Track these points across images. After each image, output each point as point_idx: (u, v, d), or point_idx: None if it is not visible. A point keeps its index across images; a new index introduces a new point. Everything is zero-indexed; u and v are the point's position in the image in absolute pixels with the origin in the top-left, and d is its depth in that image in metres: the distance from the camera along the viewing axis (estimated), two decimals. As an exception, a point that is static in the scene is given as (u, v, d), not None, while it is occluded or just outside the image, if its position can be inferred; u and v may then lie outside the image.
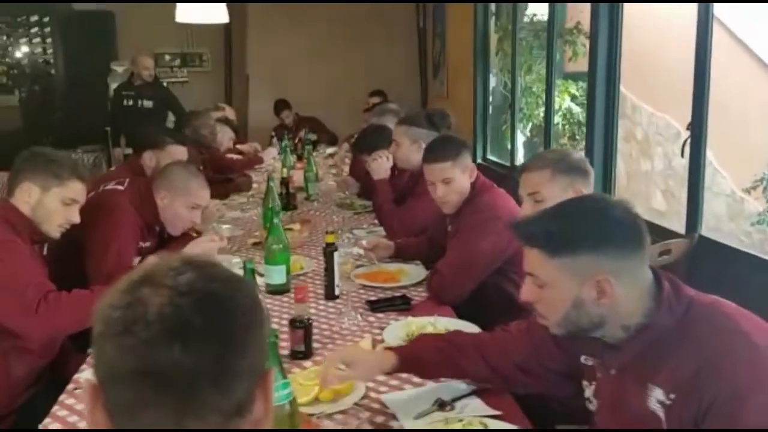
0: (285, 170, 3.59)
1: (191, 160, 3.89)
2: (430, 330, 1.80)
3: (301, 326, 1.68)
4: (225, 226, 3.07)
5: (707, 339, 1.07)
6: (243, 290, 0.70)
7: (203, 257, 0.73)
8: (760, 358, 1.04)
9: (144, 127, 4.12)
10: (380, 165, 3.01)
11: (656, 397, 1.09)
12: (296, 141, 5.44)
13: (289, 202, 3.42)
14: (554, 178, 1.77)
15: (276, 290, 2.16)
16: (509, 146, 4.87)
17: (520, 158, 4.81)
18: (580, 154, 1.89)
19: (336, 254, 2.10)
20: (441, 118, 2.94)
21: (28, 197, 1.83)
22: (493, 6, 5.17)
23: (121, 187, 2.36)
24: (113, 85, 6.44)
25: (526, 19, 5.40)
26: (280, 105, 6.32)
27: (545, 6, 4.19)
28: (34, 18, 8.09)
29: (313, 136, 5.36)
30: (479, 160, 5.08)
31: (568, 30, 4.56)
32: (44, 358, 1.87)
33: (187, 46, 7.34)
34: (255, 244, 2.77)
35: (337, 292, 2.11)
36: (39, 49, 8.41)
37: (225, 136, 4.77)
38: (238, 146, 5.24)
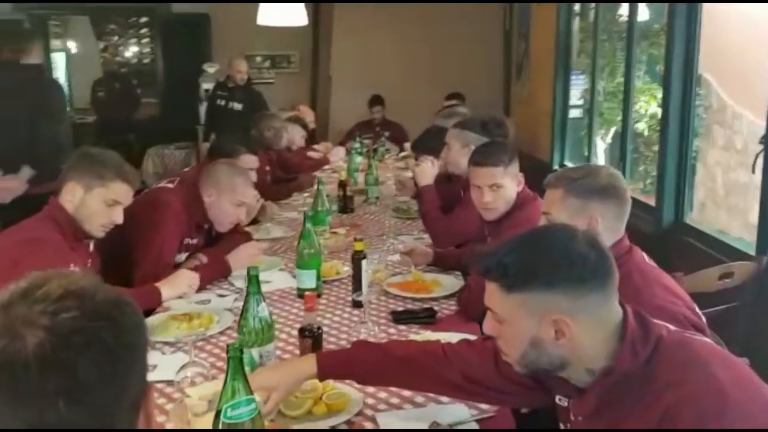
0: (344, 173, 3.59)
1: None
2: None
3: (310, 336, 1.65)
4: (278, 227, 3.11)
5: (672, 385, 0.97)
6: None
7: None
8: (728, 406, 0.94)
9: (225, 135, 4.18)
10: (424, 170, 2.93)
11: None
12: (373, 141, 5.48)
13: (345, 205, 3.41)
14: (566, 200, 1.61)
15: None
16: (586, 152, 4.64)
17: (598, 166, 4.57)
18: (611, 174, 1.65)
19: (364, 262, 2.06)
20: (496, 126, 2.83)
21: (72, 196, 1.89)
22: (577, 6, 4.95)
23: (171, 185, 2.44)
24: (204, 85, 6.73)
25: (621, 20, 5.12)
26: (375, 100, 6.38)
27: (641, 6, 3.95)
28: (143, 20, 8.67)
29: (390, 146, 5.40)
30: (555, 166, 4.88)
31: (654, 31, 4.28)
32: None
33: (276, 48, 7.55)
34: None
35: (362, 301, 2.07)
36: (147, 49, 9.00)
37: (297, 135, 4.87)
38: (314, 147, 5.34)
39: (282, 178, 4.19)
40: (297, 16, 4.86)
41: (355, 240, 2.11)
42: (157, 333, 1.80)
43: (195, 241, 2.43)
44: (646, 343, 1.01)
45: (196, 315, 1.92)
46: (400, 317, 1.98)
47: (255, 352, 1.50)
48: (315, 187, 3.36)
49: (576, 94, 5.04)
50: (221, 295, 2.18)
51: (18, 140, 3.27)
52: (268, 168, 4.00)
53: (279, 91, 7.09)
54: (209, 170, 2.46)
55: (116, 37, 10.17)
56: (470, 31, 6.75)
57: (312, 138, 5.83)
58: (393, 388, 1.51)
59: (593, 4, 4.55)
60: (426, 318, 1.97)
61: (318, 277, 2.17)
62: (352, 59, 6.96)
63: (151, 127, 7.38)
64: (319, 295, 2.15)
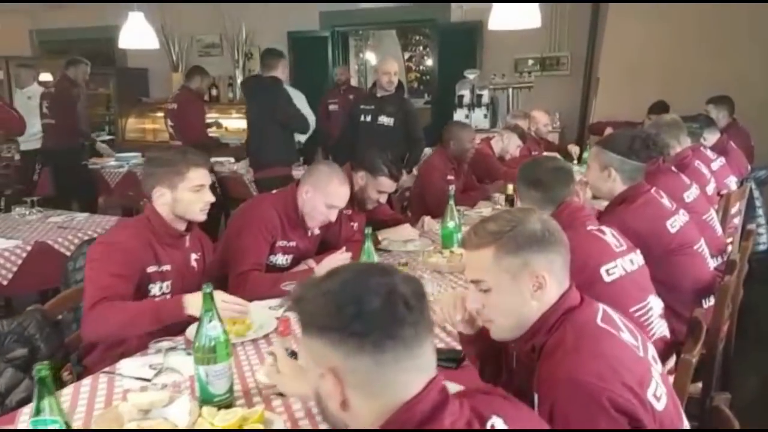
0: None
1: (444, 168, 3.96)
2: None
3: (282, 362, 1.62)
4: (420, 240, 3.06)
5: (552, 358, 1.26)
6: None
7: None
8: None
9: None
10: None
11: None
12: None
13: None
14: (500, 261, 1.34)
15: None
16: None
17: None
18: (543, 220, 1.38)
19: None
20: (644, 146, 2.33)
21: (164, 199, 2.12)
22: None
23: (272, 191, 2.65)
24: (460, 92, 6.85)
25: None
26: (658, 105, 5.71)
27: None
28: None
29: None
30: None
31: None
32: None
33: (549, 50, 7.27)
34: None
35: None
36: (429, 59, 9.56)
37: (511, 145, 4.66)
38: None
39: (468, 185, 4.12)
40: (530, 19, 4.63)
41: (399, 264, 1.98)
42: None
43: (293, 243, 2.54)
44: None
45: (240, 321, 2.02)
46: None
47: (202, 369, 1.53)
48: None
49: None
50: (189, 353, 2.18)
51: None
52: (450, 177, 3.93)
53: (542, 94, 6.83)
54: (311, 168, 2.61)
55: (420, 48, 11.02)
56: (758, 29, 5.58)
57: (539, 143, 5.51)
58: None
59: None
60: (447, 362, 1.74)
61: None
62: (623, 60, 6.31)
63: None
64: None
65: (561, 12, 7.08)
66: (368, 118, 4.58)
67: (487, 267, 1.35)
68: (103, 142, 6.85)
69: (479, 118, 6.71)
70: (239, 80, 8.22)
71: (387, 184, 2.99)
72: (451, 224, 2.83)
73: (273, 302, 2.17)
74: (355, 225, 3.14)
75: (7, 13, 8.99)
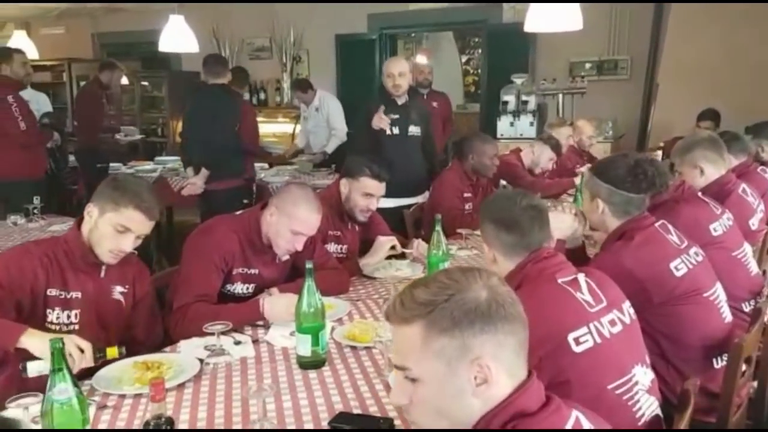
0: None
1: (460, 184, 3.65)
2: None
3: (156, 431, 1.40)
4: (415, 264, 2.79)
5: None
6: None
7: None
8: None
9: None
10: (561, 221, 2.20)
11: None
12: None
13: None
14: (430, 343, 1.03)
15: (305, 365, 1.84)
16: None
17: None
18: (490, 286, 1.07)
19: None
20: (648, 175, 1.96)
21: (90, 218, 1.95)
22: None
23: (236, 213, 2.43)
24: (504, 97, 6.46)
25: None
26: (707, 114, 5.28)
27: None
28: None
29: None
30: None
31: None
32: None
33: (607, 53, 6.78)
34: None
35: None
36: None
37: (543, 157, 4.30)
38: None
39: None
40: (570, 21, 4.24)
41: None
42: (113, 381, 1.74)
43: (255, 271, 2.31)
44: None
45: (156, 364, 1.81)
46: (338, 424, 1.52)
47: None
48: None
49: None
50: (237, 342, 2.02)
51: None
52: (468, 195, 3.62)
53: (596, 100, 6.37)
54: (281, 189, 2.38)
55: (479, 50, 10.63)
56: None
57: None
58: None
59: None
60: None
61: (318, 344, 1.83)
62: (685, 64, 5.79)
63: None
64: (318, 365, 1.83)
65: (621, 13, 6.58)
66: (396, 130, 3.91)
67: (413, 350, 1.04)
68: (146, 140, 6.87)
69: (525, 126, 6.31)
70: (285, 84, 8.16)
71: (371, 185, 2.77)
72: (437, 253, 2.53)
73: (209, 340, 1.95)
74: (344, 247, 2.91)
75: (71, 17, 9.29)
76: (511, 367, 1.04)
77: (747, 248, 2.44)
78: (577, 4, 4.15)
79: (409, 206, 3.89)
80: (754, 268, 2.44)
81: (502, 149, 5.71)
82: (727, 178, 2.81)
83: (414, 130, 3.99)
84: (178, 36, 5.55)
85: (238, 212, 2.43)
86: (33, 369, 1.57)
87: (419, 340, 1.03)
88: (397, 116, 3.91)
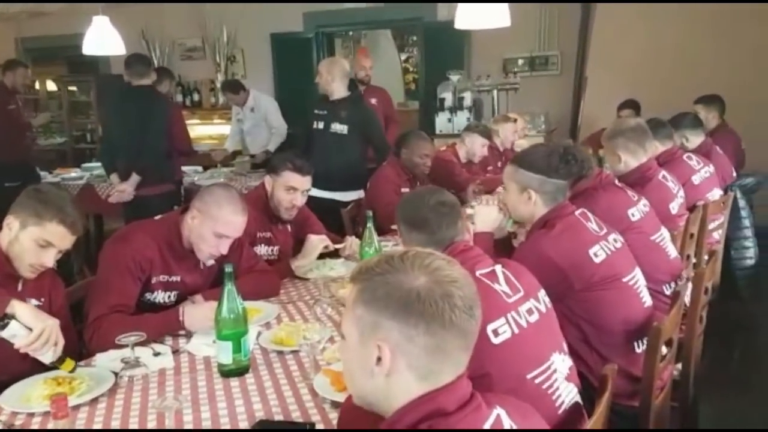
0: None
1: (397, 180, 3.65)
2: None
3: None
4: (337, 263, 2.76)
5: None
6: None
7: None
8: None
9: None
10: (486, 214, 2.21)
11: None
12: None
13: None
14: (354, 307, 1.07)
15: (227, 374, 1.78)
16: None
17: None
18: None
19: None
20: (570, 159, 2.00)
21: (9, 230, 1.87)
22: None
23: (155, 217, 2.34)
24: (441, 95, 6.51)
25: None
26: (628, 104, 5.46)
27: None
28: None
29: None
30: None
31: None
32: None
33: (538, 49, 6.90)
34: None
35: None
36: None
37: (475, 145, 4.35)
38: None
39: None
40: (498, 18, 4.29)
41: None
42: (21, 399, 1.65)
43: (177, 278, 2.23)
44: None
45: (68, 380, 1.72)
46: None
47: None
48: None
49: None
50: (156, 354, 1.94)
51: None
52: (405, 190, 3.62)
53: (530, 95, 6.47)
54: (202, 191, 2.28)
55: (417, 49, 10.65)
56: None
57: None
58: None
59: None
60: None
61: (240, 351, 1.78)
62: (612, 59, 5.96)
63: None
64: (241, 373, 1.77)
65: (550, 9, 6.72)
66: (321, 125, 4.10)
67: (347, 309, 1.08)
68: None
69: (462, 121, 6.35)
70: (220, 84, 7.99)
71: (294, 178, 2.73)
72: (369, 250, 2.51)
73: (126, 353, 1.86)
74: (276, 249, 2.85)
75: (-9, 21, 8.88)
76: (420, 366, 1.02)
77: (665, 233, 2.51)
78: (506, 4, 4.21)
79: (345, 203, 3.86)
80: (672, 251, 2.52)
81: (441, 145, 5.76)
82: (648, 164, 2.90)
83: (337, 127, 4.03)
84: (103, 38, 5.34)
85: (156, 217, 2.34)
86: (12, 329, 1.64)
87: (351, 301, 1.06)
88: (324, 112, 4.05)
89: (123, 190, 4.32)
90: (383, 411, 1.06)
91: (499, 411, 1.06)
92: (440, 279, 1.03)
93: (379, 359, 1.02)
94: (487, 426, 1.02)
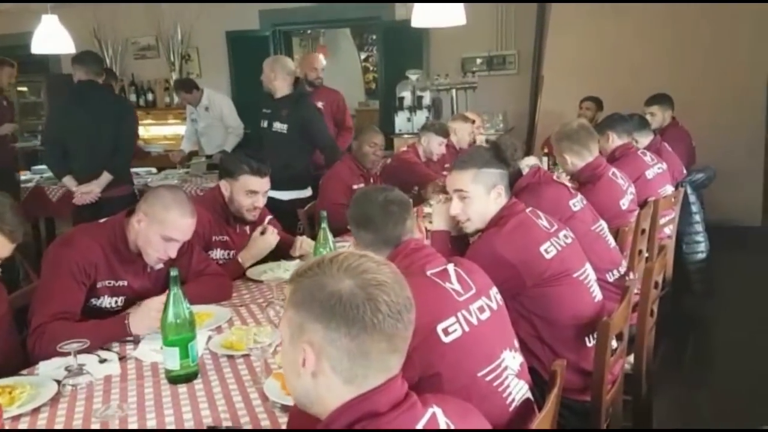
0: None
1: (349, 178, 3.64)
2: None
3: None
4: (291, 264, 2.72)
5: None
6: None
7: None
8: None
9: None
10: (443, 212, 2.22)
11: None
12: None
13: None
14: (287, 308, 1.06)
15: (174, 380, 1.73)
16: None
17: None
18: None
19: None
20: (516, 146, 2.06)
21: None
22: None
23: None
24: (401, 93, 6.51)
25: None
26: (589, 98, 5.56)
27: None
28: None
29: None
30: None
31: None
32: None
33: (496, 49, 6.96)
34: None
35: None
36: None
37: (432, 144, 4.37)
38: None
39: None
40: (454, 17, 4.31)
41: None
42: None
43: (124, 282, 2.17)
44: None
45: (8, 389, 1.65)
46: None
47: None
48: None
49: None
50: (102, 360, 1.88)
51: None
52: (358, 186, 3.60)
53: (488, 94, 6.53)
54: (148, 193, 2.21)
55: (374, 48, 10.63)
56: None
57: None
58: None
59: None
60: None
61: (188, 356, 1.73)
62: (567, 58, 6.06)
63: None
64: (189, 379, 1.73)
65: (507, 9, 6.78)
66: (265, 124, 4.10)
67: (285, 307, 1.08)
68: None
69: (421, 120, 6.35)
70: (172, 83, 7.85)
71: (252, 182, 2.67)
72: (324, 251, 2.48)
73: (71, 360, 1.79)
74: (233, 252, 2.80)
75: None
76: (344, 370, 1.00)
77: (603, 224, 2.60)
78: (460, 4, 4.24)
79: (283, 201, 3.82)
80: (611, 241, 2.61)
81: (401, 145, 5.75)
82: (597, 162, 3.01)
83: (279, 126, 4.04)
84: (52, 37, 5.22)
85: (101, 220, 2.27)
86: None
87: (287, 302, 1.06)
88: (268, 111, 4.08)
89: (90, 190, 4.12)
90: (318, 413, 1.05)
91: (434, 410, 1.05)
92: (365, 282, 1.00)
93: (304, 361, 1.01)
94: (420, 425, 1.01)
